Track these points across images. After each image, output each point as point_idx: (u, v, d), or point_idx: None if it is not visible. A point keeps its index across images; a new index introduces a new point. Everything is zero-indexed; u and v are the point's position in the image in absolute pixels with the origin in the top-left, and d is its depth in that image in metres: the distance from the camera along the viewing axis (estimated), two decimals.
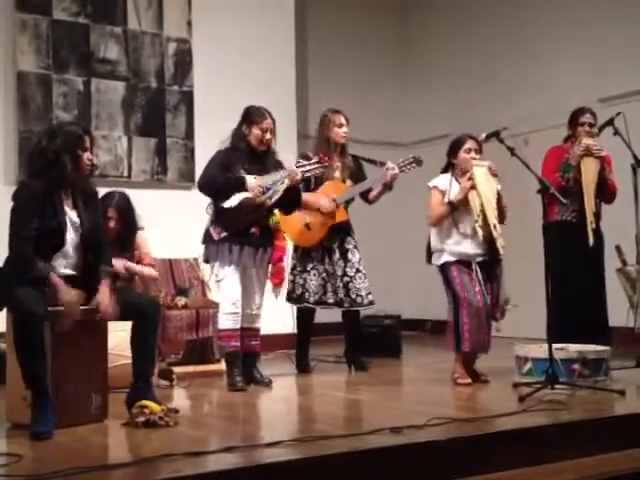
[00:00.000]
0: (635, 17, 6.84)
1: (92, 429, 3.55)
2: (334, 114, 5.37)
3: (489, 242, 4.70)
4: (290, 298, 5.35)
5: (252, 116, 4.81)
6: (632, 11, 6.86)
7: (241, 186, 4.65)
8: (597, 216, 5.24)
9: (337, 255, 5.29)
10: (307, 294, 5.28)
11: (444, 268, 4.77)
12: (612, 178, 5.28)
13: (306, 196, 5.10)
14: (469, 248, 4.73)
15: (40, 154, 3.65)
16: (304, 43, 8.08)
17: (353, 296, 5.24)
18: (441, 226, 4.78)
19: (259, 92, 6.30)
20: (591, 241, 5.12)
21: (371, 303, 5.31)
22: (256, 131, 4.78)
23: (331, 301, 5.28)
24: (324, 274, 5.28)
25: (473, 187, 4.66)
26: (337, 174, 5.34)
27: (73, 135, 3.68)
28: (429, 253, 4.89)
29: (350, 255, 5.30)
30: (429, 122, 8.42)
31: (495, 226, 4.67)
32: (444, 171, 4.88)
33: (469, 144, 4.77)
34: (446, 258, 4.76)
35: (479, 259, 4.74)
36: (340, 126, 5.34)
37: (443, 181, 4.83)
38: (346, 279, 5.25)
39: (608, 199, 5.33)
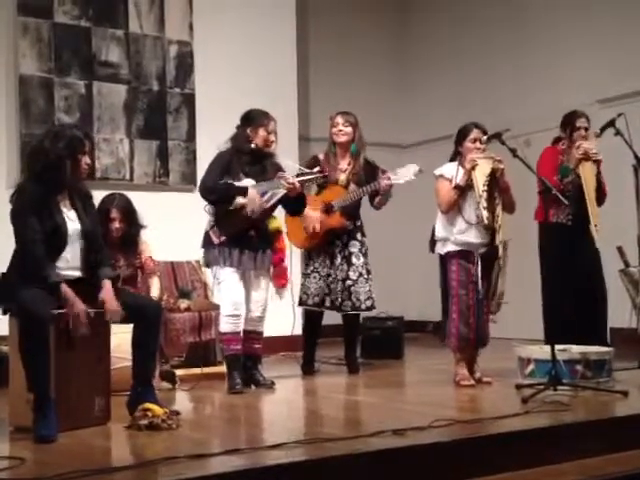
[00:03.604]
0: (635, 17, 6.84)
1: (95, 432, 3.56)
2: (335, 115, 5.35)
3: (492, 230, 4.68)
4: (300, 301, 5.35)
5: (258, 119, 4.81)
6: (632, 11, 6.86)
7: (243, 195, 4.65)
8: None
9: (339, 260, 5.27)
10: (305, 296, 5.29)
11: (446, 259, 4.77)
12: (603, 181, 5.31)
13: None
14: (473, 237, 4.71)
15: (41, 156, 3.65)
16: (305, 45, 8.08)
17: (354, 300, 5.24)
18: (448, 213, 4.77)
19: (260, 94, 6.29)
20: (597, 243, 5.11)
21: (370, 308, 5.30)
22: (262, 133, 4.78)
23: (329, 304, 5.28)
24: (325, 277, 5.27)
25: (474, 168, 4.63)
26: (342, 177, 5.29)
27: (75, 139, 3.68)
28: (432, 242, 4.88)
29: (354, 259, 5.27)
30: (430, 123, 8.41)
31: (498, 216, 4.66)
32: (452, 159, 4.88)
33: (475, 134, 4.75)
34: (450, 248, 4.75)
35: (482, 250, 4.73)
36: (335, 125, 5.30)
37: (449, 169, 4.81)
38: (348, 282, 5.24)
39: (599, 201, 5.34)
